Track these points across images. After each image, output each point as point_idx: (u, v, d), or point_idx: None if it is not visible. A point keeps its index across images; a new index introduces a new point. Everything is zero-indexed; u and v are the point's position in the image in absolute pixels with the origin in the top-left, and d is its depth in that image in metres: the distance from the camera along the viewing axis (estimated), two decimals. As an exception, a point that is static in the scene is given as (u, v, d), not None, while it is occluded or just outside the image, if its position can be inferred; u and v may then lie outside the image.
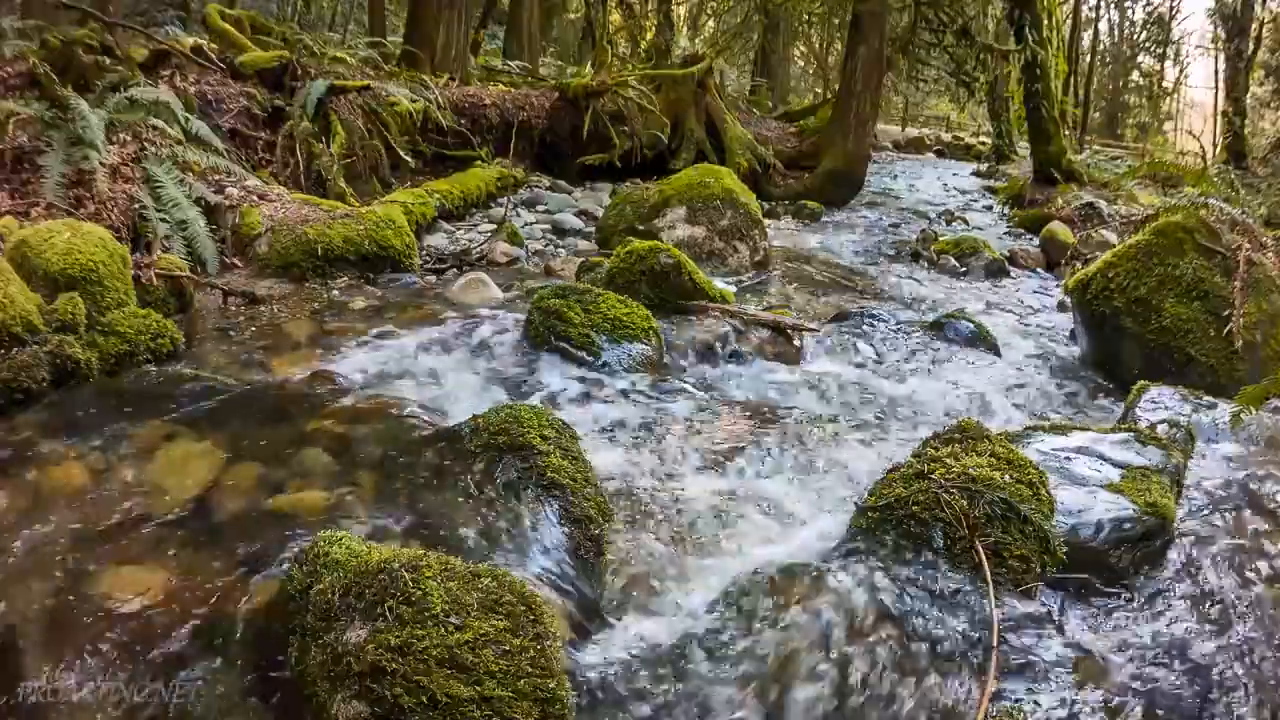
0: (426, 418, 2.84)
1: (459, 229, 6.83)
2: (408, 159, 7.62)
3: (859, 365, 4.09)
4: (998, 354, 4.39)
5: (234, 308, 4.24)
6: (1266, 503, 2.48)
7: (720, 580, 2.21)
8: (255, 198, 5.22)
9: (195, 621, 1.86)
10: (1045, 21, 11.67)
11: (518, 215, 7.42)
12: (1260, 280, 3.91)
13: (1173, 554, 2.21)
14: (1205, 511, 2.41)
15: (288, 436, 2.62)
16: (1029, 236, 8.81)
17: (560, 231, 7.24)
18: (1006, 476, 2.18)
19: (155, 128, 4.86)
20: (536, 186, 9.00)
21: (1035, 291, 6.42)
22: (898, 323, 4.63)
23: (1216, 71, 27.73)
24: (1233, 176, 8.40)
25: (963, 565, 2.04)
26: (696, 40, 24.23)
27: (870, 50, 10.51)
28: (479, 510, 2.24)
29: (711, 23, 24.58)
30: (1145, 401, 3.16)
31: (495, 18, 19.25)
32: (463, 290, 4.68)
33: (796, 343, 4.19)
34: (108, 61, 5.41)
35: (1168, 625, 2.00)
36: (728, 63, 16.91)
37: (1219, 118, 23.46)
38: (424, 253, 5.70)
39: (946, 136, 27.26)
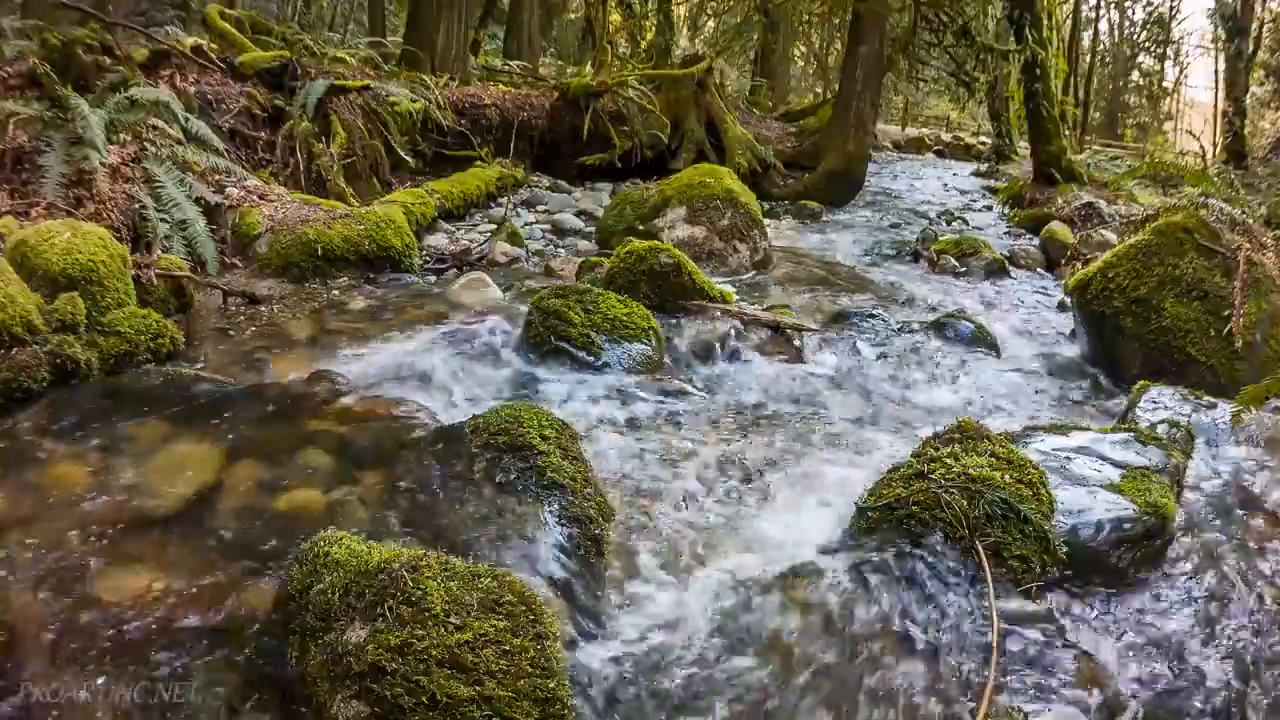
0: (426, 418, 2.84)
1: (459, 229, 6.83)
2: (408, 159, 7.62)
3: (859, 365, 4.09)
4: (998, 354, 4.39)
5: (234, 308, 4.24)
6: (1266, 503, 2.48)
7: (720, 580, 2.21)
8: (255, 198, 5.22)
9: (195, 621, 1.86)
10: (1045, 21, 11.67)
11: (518, 215, 7.42)
12: (1260, 280, 3.91)
13: (1173, 554, 2.21)
14: (1205, 511, 2.41)
15: (288, 436, 2.62)
16: (1029, 236, 8.80)
17: (560, 231, 7.24)
18: (1006, 476, 2.18)
19: (155, 128, 4.86)
20: (536, 186, 9.00)
21: (1035, 291, 6.41)
22: (897, 322, 4.63)
23: (1216, 71, 27.75)
24: (1233, 176, 8.39)
25: (963, 565, 2.04)
26: (696, 40, 24.22)
27: (870, 50, 10.51)
28: (479, 510, 2.24)
29: (711, 23, 24.57)
30: (1145, 401, 3.16)
31: (495, 18, 19.24)
32: (463, 290, 4.68)
33: (796, 343, 4.19)
34: (108, 61, 5.41)
35: (1168, 625, 2.00)
36: (728, 63, 16.87)
37: (1219, 118, 23.46)
38: (424, 253, 5.70)
39: (946, 136, 27.23)
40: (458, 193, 7.29)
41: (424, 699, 1.50)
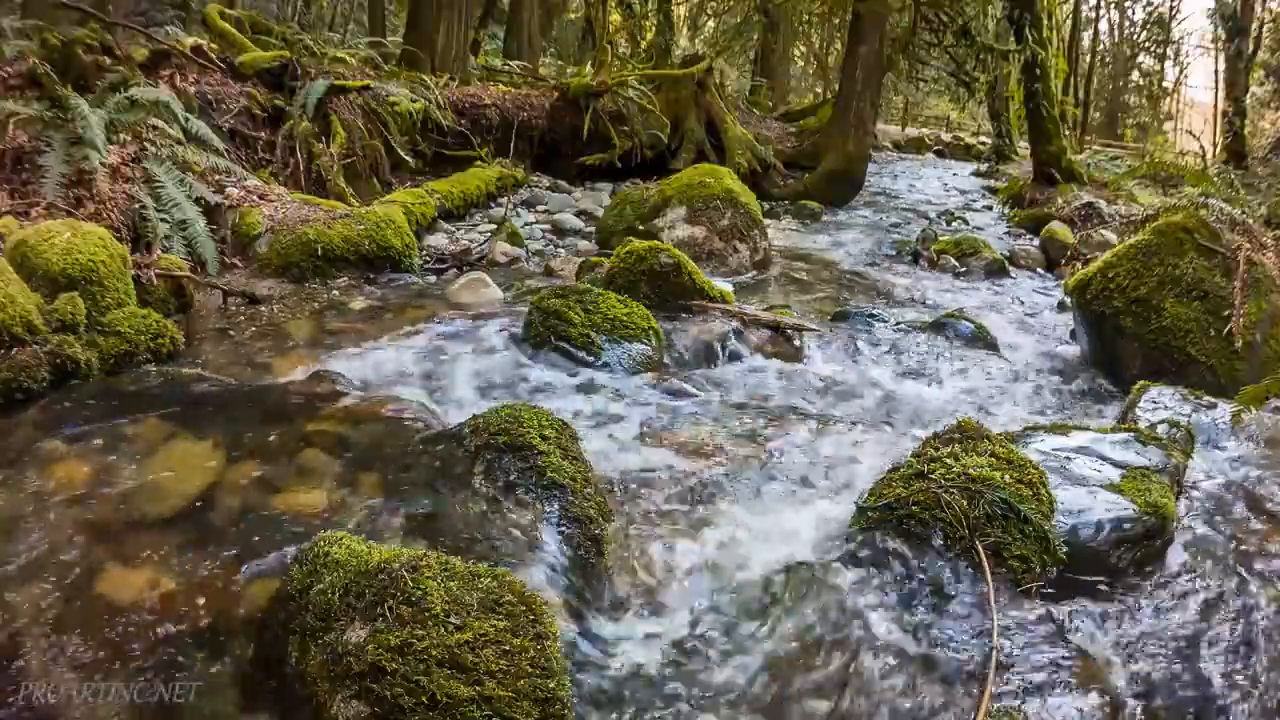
0: (426, 418, 2.84)
1: (459, 229, 6.83)
2: (408, 159, 7.62)
3: (859, 365, 4.09)
4: (997, 354, 4.40)
5: (234, 308, 4.24)
6: (1266, 503, 2.48)
7: (720, 580, 2.21)
8: (255, 198, 5.22)
9: (195, 621, 1.86)
10: (1045, 21, 11.67)
11: (518, 215, 7.42)
12: (1260, 280, 3.91)
13: (1173, 554, 2.21)
14: (1205, 511, 2.41)
15: (288, 436, 2.62)
16: (1029, 236, 8.81)
17: (560, 231, 7.24)
18: (1006, 476, 2.18)
19: (155, 128, 4.86)
20: (536, 186, 9.00)
21: (1035, 291, 6.42)
22: (897, 323, 4.63)
23: (1216, 71, 27.76)
24: (1233, 176, 8.40)
25: (963, 565, 2.04)
26: (696, 40, 24.21)
27: (870, 50, 10.51)
28: (479, 510, 2.24)
29: (711, 23, 24.57)
30: (1145, 401, 3.16)
31: (495, 18, 19.24)
32: (463, 290, 4.68)
33: (796, 342, 4.20)
34: (108, 61, 5.41)
35: (1168, 625, 2.00)
36: (728, 63, 16.86)
37: (1219, 118, 23.46)
38: (424, 253, 5.70)
39: (946, 136, 27.24)
40: (458, 193, 7.29)
41: (424, 699, 1.50)
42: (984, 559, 2.02)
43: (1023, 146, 16.60)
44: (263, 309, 4.26)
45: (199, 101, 5.96)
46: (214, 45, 7.25)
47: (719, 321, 4.20)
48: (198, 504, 2.27)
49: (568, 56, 20.33)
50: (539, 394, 3.36)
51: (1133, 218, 6.56)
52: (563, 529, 2.22)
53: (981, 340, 4.44)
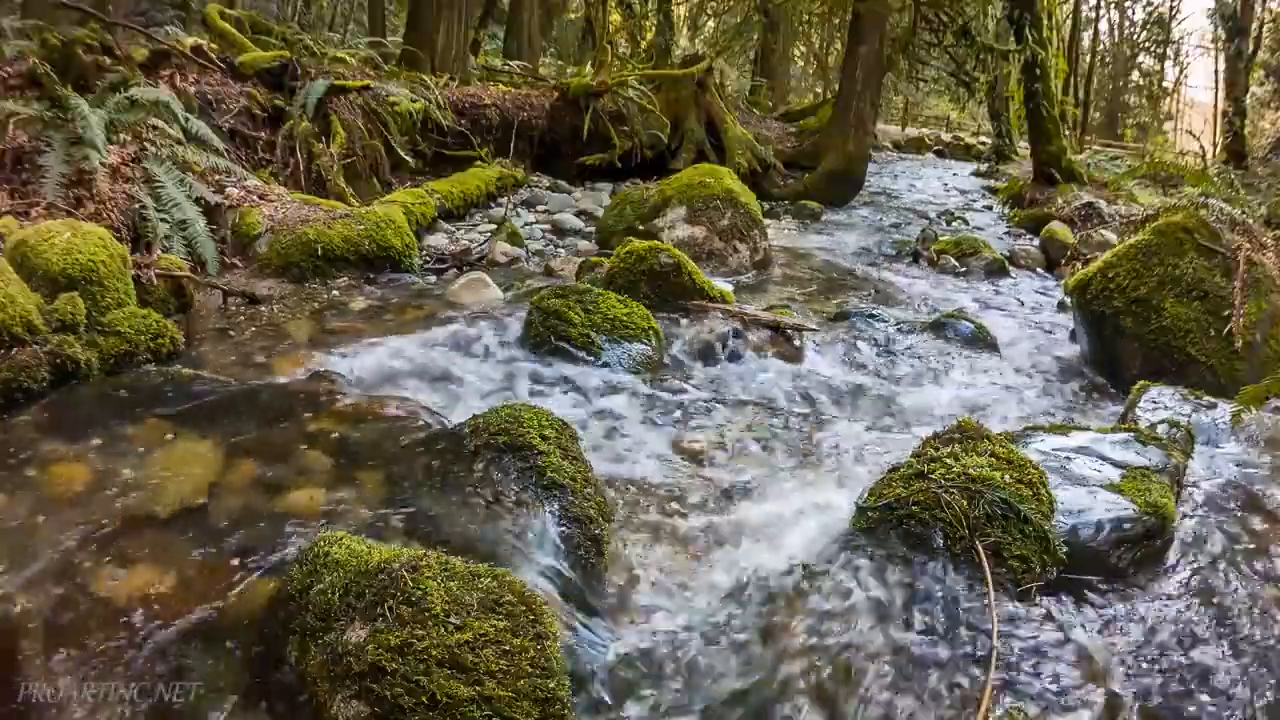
0: (426, 418, 2.84)
1: (459, 229, 6.83)
2: (408, 159, 7.62)
3: (859, 365, 4.09)
4: (998, 354, 4.40)
5: (234, 308, 4.24)
6: (1266, 503, 2.48)
7: (720, 580, 2.21)
8: (255, 198, 5.22)
9: (195, 621, 1.86)
10: (1045, 21, 11.68)
11: (518, 215, 7.42)
12: (1260, 280, 3.91)
13: (1173, 554, 2.21)
14: (1205, 511, 2.41)
15: (288, 436, 2.63)
16: (1029, 236, 8.81)
17: (560, 231, 7.24)
18: (1006, 476, 2.18)
19: (155, 128, 4.86)
20: (536, 186, 9.00)
21: (1035, 291, 6.42)
22: (897, 323, 4.63)
23: (1216, 71, 27.77)
24: (1233, 176, 8.39)
25: (963, 565, 2.04)
26: (696, 40, 24.21)
27: (870, 50, 10.51)
28: (479, 510, 2.24)
29: (711, 23, 24.56)
30: (1145, 401, 3.16)
31: (495, 18, 19.24)
32: (463, 290, 4.68)
33: (796, 343, 4.20)
34: (108, 61, 5.41)
35: (1168, 625, 2.00)
36: (728, 63, 16.84)
37: (1219, 118, 23.47)
38: (424, 253, 5.70)
39: (946, 136, 27.24)
40: (458, 193, 7.29)
41: (424, 699, 1.50)
42: (984, 559, 2.02)
43: (1023, 146, 16.60)
44: (263, 309, 4.25)
45: (199, 101, 5.96)
46: (214, 45, 7.25)
47: (719, 321, 4.20)
48: (198, 504, 2.27)
49: (568, 56, 20.32)
50: (539, 394, 3.36)
51: (1133, 218, 6.55)
52: (563, 529, 2.22)
53: (981, 340, 4.44)
